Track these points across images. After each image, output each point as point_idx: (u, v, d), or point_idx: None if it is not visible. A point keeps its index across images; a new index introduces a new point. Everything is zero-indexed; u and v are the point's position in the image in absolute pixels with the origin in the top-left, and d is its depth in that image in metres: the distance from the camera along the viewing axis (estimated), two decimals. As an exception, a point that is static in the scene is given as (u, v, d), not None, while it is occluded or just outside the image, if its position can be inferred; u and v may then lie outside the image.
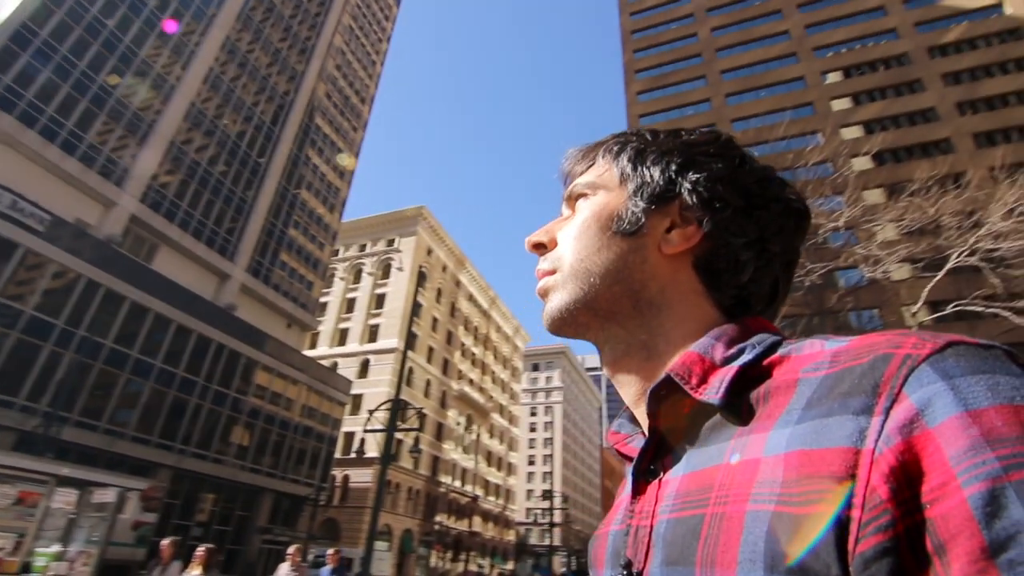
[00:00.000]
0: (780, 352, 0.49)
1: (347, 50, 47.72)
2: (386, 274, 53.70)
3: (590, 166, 0.67)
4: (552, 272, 0.62)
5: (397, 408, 15.39)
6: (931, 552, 0.31)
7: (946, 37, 37.96)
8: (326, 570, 8.51)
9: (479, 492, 59.60)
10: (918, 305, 17.36)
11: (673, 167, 0.61)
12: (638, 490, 0.53)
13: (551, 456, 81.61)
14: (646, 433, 0.57)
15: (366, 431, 17.32)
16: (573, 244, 0.61)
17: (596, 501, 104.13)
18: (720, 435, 0.47)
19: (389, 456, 14.10)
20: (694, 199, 0.59)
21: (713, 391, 0.48)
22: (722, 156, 0.61)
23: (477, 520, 57.98)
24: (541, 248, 0.66)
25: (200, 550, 5.80)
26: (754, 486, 0.40)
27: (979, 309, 15.16)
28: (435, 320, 55.28)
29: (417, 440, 22.96)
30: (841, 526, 0.34)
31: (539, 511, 68.84)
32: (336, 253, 53.23)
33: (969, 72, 36.25)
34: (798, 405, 0.42)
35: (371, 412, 17.59)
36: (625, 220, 0.60)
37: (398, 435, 36.73)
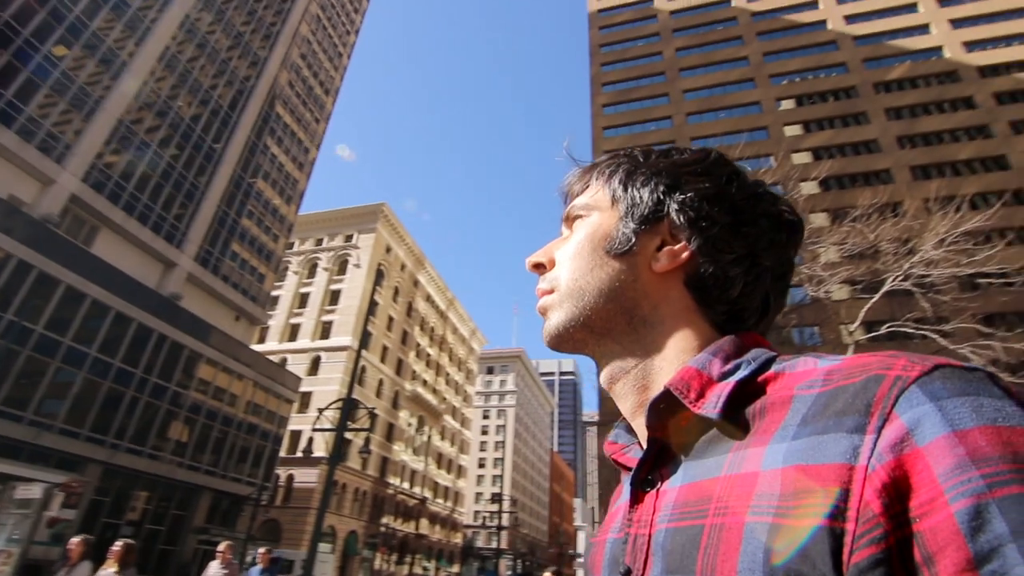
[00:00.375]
0: (774, 368, 0.50)
1: (313, 40, 46.62)
2: (342, 270, 52.62)
3: (586, 187, 0.70)
4: (550, 291, 0.65)
5: (348, 407, 15.09)
6: (920, 563, 0.34)
7: (891, 74, 40.48)
8: (255, 570, 8.14)
9: (428, 494, 59.02)
10: (855, 324, 18.37)
11: (661, 188, 0.62)
12: (636, 499, 0.54)
13: (501, 459, 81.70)
14: (643, 444, 0.59)
15: (315, 430, 16.93)
16: (568, 264, 0.64)
17: (544, 505, 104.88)
18: (717, 448, 0.49)
19: (338, 456, 13.81)
20: (681, 219, 0.60)
21: (711, 405, 0.50)
22: (709, 175, 0.62)
23: (424, 522, 57.38)
24: (540, 268, 0.68)
25: (116, 545, 5.33)
26: (752, 498, 0.42)
27: (910, 330, 16.20)
28: (391, 319, 54.52)
29: (367, 441, 22.44)
30: (836, 538, 0.36)
31: (487, 514, 68.69)
32: (291, 246, 51.84)
33: (909, 109, 38.77)
34: (794, 421, 0.44)
35: (321, 411, 17.20)
36: (616, 241, 0.62)
37: (348, 435, 35.98)
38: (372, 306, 15.35)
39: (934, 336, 15.77)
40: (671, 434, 0.54)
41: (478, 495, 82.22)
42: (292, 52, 42.42)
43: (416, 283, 62.01)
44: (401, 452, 53.84)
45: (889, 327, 16.91)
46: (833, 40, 43.75)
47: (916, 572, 0.34)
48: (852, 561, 0.36)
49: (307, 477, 40.77)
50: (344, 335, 47.86)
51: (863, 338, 21.32)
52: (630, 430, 0.64)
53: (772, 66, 44.09)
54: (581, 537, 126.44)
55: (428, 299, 65.28)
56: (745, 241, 0.60)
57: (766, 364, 0.52)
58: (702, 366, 0.53)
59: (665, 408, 0.53)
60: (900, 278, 15.94)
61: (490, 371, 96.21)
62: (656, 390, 0.57)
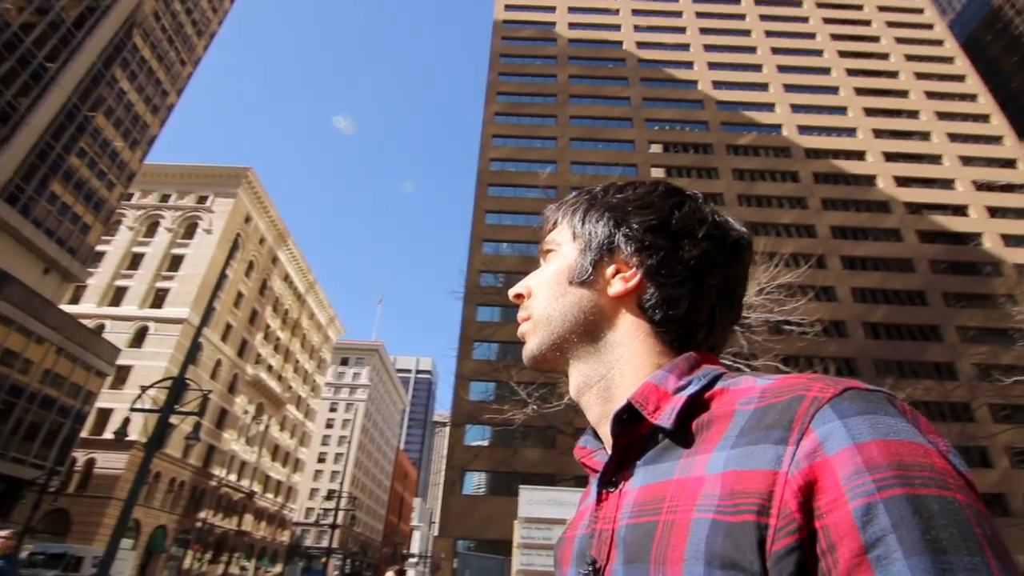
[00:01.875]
0: (720, 385, 0.60)
1: (191, -28, 41.61)
2: (189, 234, 47.19)
3: (555, 224, 0.79)
4: (528, 319, 0.74)
5: (178, 388, 13.66)
6: (825, 549, 0.43)
7: (740, 140, 46.68)
8: None
9: (257, 488, 54.75)
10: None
11: (612, 221, 0.72)
12: (601, 498, 0.63)
13: (344, 455, 78.61)
14: (607, 449, 0.67)
15: (133, 410, 14.96)
16: (540, 295, 0.74)
17: (383, 503, 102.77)
18: (671, 455, 0.57)
19: (158, 441, 12.40)
20: (629, 248, 0.70)
21: (666, 417, 0.58)
22: (652, 206, 0.71)
23: (249, 518, 53.10)
24: (520, 298, 0.77)
25: None
26: (698, 498, 0.50)
27: (728, 362, 18.78)
28: (240, 295, 50.04)
29: (197, 427, 20.13)
30: (762, 530, 0.46)
31: (322, 511, 65.58)
32: (129, 198, 45.25)
33: (750, 173, 45.02)
34: (733, 432, 0.53)
35: (144, 389, 15.31)
36: (577, 271, 0.72)
37: (173, 419, 32.35)
38: (221, 279, 14.01)
39: (746, 369, 18.52)
40: (632, 441, 0.62)
41: (314, 491, 78.11)
42: (162, -20, 37.47)
43: (275, 260, 57.68)
44: (232, 441, 49.43)
45: (713, 358, 19.47)
46: (701, 100, 49.34)
47: (822, 556, 0.43)
48: (773, 549, 0.45)
49: (112, 463, 35.68)
50: (182, 306, 42.86)
51: (692, 365, 24.19)
52: (597, 436, 0.72)
53: (649, 111, 48.45)
54: (416, 537, 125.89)
55: (286, 279, 61.03)
56: (687, 264, 0.67)
57: (714, 381, 0.60)
58: (659, 381, 0.62)
59: (628, 418, 0.61)
60: (726, 317, 18.45)
61: (344, 362, 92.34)
62: (618, 402, 0.65)
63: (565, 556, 0.68)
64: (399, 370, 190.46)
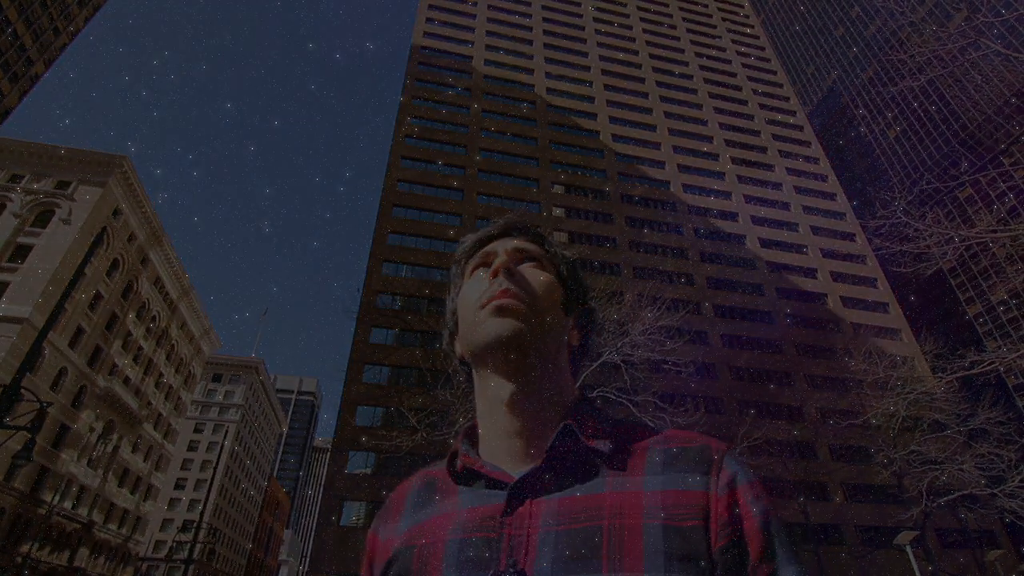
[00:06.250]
0: (624, 425, 0.81)
1: (79, -60, 37.79)
2: (42, 222, 41.48)
3: (538, 245, 0.93)
4: (520, 298, 0.81)
5: (9, 398, 12.00)
6: (745, 544, 0.67)
7: (633, 191, 50.48)
8: None
9: (98, 517, 47.90)
10: (576, 386, 21.71)
11: (587, 294, 0.96)
12: (510, 507, 0.71)
13: (207, 481, 71.28)
14: (479, 458, 0.79)
15: (-51, 422, 12.86)
16: (542, 294, 0.84)
17: (248, 536, 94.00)
18: (595, 473, 0.72)
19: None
20: (588, 317, 0.93)
21: (602, 444, 0.74)
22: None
23: (84, 553, 46.17)
24: (509, 272, 0.84)
25: None
26: (643, 508, 0.67)
27: (612, 396, 19.93)
28: (98, 296, 44.52)
29: (30, 444, 17.22)
30: (706, 532, 0.66)
31: (175, 544, 58.60)
32: (-32, 175, 39.09)
33: (640, 221, 48.69)
34: (658, 462, 0.73)
35: (-32, 398, 13.21)
36: (568, 303, 0.89)
37: (-4, 433, 27.68)
38: (77, 276, 12.62)
39: (628, 404, 19.72)
40: (554, 457, 0.74)
41: (167, 521, 69.69)
42: (43, -58, 33.68)
43: (145, 261, 52.18)
44: (71, 462, 43.10)
45: (598, 392, 20.51)
46: (601, 149, 52.90)
47: (746, 548, 0.66)
48: (717, 545, 0.66)
49: (-95, 486, 29.61)
50: (23, 303, 37.27)
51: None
52: (472, 448, 0.82)
53: (554, 153, 50.99)
54: (284, 572, 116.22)
55: (157, 282, 55.32)
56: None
57: (618, 422, 0.81)
58: (587, 412, 0.80)
59: (562, 438, 0.74)
60: (613, 353, 19.64)
61: (217, 379, 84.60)
62: (548, 418, 0.79)
63: (433, 562, 0.70)
64: (279, 390, 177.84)
